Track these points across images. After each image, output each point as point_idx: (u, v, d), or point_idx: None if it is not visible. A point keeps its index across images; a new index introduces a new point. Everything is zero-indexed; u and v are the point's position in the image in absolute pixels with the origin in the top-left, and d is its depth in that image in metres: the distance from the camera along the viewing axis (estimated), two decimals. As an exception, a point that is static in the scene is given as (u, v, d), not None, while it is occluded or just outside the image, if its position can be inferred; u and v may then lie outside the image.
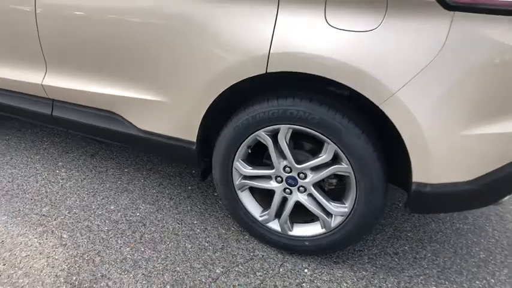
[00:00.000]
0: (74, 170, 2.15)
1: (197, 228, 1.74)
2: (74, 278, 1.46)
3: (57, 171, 2.14)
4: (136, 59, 1.54)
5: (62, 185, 2.01)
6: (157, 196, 1.96)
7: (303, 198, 1.51)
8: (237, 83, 1.37)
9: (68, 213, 1.81)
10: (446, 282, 1.54)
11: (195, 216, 1.82)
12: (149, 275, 1.49)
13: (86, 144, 2.43)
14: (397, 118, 1.21)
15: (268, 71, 1.30)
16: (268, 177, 1.55)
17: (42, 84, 1.83)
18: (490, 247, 1.75)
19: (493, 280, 1.57)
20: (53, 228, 1.71)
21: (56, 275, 1.47)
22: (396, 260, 1.64)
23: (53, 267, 1.51)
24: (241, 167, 1.53)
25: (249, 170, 1.53)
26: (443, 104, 1.18)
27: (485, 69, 1.14)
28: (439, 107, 1.18)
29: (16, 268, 1.50)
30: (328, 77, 1.23)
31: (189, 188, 2.05)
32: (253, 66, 1.31)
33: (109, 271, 1.50)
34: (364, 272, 1.56)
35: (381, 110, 1.22)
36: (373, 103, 1.21)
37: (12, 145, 2.40)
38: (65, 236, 1.67)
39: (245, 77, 1.34)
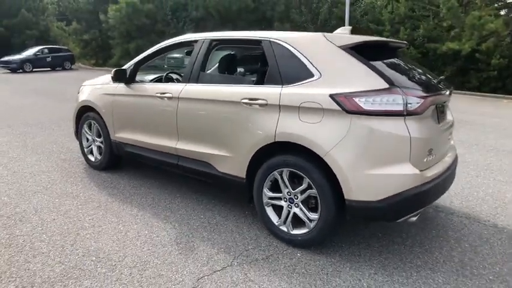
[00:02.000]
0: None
1: (245, 229, 3.04)
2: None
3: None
4: (219, 133, 3.07)
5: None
6: (226, 216, 3.33)
7: (297, 211, 2.73)
8: (264, 146, 2.77)
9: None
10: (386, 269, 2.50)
11: (246, 223, 3.13)
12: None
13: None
14: (331, 164, 2.44)
15: (275, 141, 2.68)
16: (279, 199, 2.82)
17: (175, 147, 3.49)
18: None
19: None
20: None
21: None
22: (360, 253, 2.66)
23: None
24: (266, 192, 2.85)
25: (270, 194, 2.84)
26: (352, 157, 2.39)
27: (371, 141, 2.33)
28: (350, 158, 2.39)
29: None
30: (300, 143, 2.56)
31: (246, 212, 3.38)
32: (269, 138, 2.72)
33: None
34: (333, 259, 2.62)
35: (324, 160, 2.47)
36: (320, 156, 2.48)
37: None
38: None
39: (267, 143, 2.74)
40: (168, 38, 3.80)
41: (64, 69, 23.68)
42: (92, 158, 4.47)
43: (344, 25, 18.73)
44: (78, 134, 4.59)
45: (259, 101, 2.80)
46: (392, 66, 2.74)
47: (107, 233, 2.94)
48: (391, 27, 18.30)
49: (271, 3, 21.74)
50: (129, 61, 3.99)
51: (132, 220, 3.17)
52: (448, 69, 15.47)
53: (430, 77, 2.96)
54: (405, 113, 2.36)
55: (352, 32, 3.06)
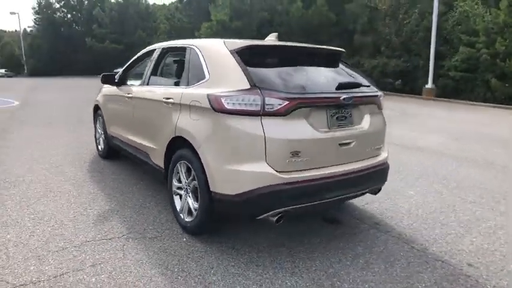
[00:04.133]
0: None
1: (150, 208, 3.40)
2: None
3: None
4: (151, 128, 3.51)
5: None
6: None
7: (189, 200, 2.99)
8: (170, 140, 3.12)
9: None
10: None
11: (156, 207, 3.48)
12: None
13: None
14: (201, 157, 2.67)
15: (176, 135, 3.01)
16: (181, 188, 3.12)
17: (132, 140, 4.03)
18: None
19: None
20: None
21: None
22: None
23: None
24: (174, 183, 3.18)
25: (176, 184, 3.16)
26: (216, 152, 2.60)
27: (230, 138, 2.51)
28: (214, 153, 2.60)
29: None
30: (186, 138, 2.86)
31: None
32: (172, 133, 3.06)
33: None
34: (214, 247, 2.81)
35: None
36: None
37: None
38: None
39: (171, 137, 3.08)
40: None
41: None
42: (99, 148, 5.38)
43: (430, 36, 17.50)
44: (94, 128, 5.54)
45: (170, 100, 3.17)
46: (284, 71, 2.82)
47: (59, 197, 3.63)
48: (486, 37, 16.36)
49: (354, 16, 21.37)
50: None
51: (85, 190, 3.81)
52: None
53: (347, 81, 2.94)
54: (261, 113, 2.47)
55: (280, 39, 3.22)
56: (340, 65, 3.29)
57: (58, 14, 38.31)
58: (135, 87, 4.08)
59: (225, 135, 2.59)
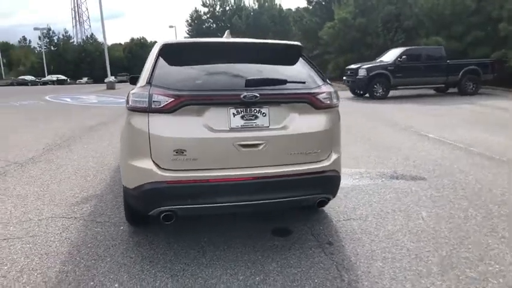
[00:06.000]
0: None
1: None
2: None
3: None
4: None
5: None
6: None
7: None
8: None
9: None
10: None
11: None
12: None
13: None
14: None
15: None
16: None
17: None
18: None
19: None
20: None
21: None
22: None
23: None
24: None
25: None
26: (122, 147, 2.73)
27: (128, 134, 2.62)
28: (121, 148, 2.74)
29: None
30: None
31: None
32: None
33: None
34: (136, 238, 2.96)
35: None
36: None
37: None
38: None
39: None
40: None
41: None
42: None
43: None
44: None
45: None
46: (196, 68, 2.76)
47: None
48: None
49: (500, 0, 17.72)
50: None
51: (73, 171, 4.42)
52: None
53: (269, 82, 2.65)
54: (148, 110, 2.49)
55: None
56: (297, 61, 2.97)
57: (206, 24, 43.62)
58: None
59: (125, 131, 2.70)
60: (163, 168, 2.47)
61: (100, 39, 55.07)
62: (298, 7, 31.97)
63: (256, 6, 41.61)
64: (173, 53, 2.83)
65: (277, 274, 2.45)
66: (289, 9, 41.58)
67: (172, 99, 2.45)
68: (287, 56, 3.02)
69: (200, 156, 2.48)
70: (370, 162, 5.13)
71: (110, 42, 62.31)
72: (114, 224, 3.23)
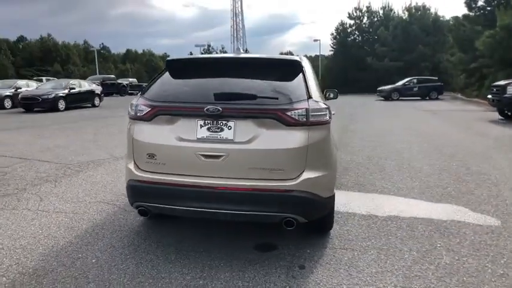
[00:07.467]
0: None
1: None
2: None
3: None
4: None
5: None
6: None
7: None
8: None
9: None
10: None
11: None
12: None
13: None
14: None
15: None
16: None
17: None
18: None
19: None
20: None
21: None
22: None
23: None
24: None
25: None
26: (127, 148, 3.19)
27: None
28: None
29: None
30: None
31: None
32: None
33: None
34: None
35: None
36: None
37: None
38: None
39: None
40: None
41: (430, 98, 24.70)
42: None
43: None
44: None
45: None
46: (186, 82, 3.04)
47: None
48: None
49: None
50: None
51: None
52: None
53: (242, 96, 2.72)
54: (134, 118, 2.87)
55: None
56: (291, 76, 2.90)
57: (351, 37, 42.81)
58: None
59: (128, 136, 3.13)
60: (140, 169, 2.81)
61: (253, 52, 60.26)
62: (458, 16, 27.94)
63: (406, 15, 38.65)
64: (168, 69, 3.14)
65: (222, 283, 2.48)
66: (443, 17, 37.19)
67: (149, 108, 2.78)
68: (280, 72, 2.97)
69: (167, 162, 2.72)
70: None
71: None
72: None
